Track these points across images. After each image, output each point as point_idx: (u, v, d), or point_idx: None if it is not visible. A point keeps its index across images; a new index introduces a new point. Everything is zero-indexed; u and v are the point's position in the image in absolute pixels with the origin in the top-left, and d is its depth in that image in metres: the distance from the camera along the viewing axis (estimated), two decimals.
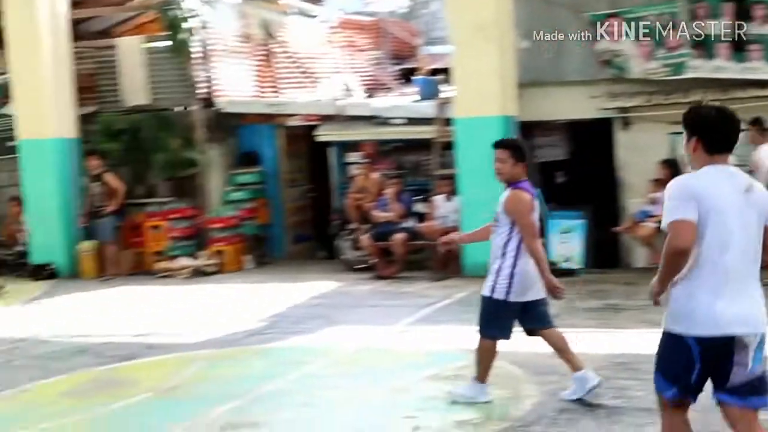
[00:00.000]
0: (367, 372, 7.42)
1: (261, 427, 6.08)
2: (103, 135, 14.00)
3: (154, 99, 14.30)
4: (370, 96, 15.88)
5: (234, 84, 14.60)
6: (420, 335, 8.61)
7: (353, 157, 14.04)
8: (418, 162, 13.76)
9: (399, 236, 12.12)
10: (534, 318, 6.27)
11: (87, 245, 13.62)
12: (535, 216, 6.20)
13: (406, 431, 5.81)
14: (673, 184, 4.01)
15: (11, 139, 14.21)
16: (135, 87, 14.28)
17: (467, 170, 11.64)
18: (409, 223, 12.43)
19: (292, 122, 14.54)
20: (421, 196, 12.98)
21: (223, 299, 11.35)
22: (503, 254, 6.13)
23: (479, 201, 10.81)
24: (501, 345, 6.31)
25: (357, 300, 10.78)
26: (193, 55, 13.90)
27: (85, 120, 14.12)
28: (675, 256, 3.91)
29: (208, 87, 14.11)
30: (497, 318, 6.16)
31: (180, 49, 13.85)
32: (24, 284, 13.13)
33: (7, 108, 14.44)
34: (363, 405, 6.48)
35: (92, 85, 14.53)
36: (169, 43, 13.96)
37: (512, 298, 6.10)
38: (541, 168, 12.86)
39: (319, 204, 14.94)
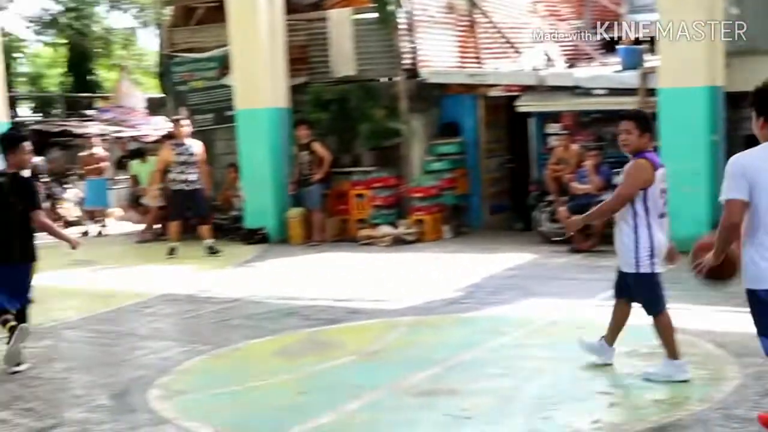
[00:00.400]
0: (562, 345, 7.45)
1: (458, 394, 6.23)
2: (312, 105, 14.47)
3: (361, 70, 14.64)
4: (571, 66, 15.70)
5: (437, 54, 14.81)
6: None
7: (553, 127, 13.97)
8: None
9: None
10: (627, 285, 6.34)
11: (295, 212, 14.22)
12: (661, 187, 6.20)
13: (602, 407, 5.85)
14: (730, 162, 4.60)
15: (230, 108, 14.97)
16: (343, 58, 14.65)
17: (670, 142, 11.35)
18: (608, 196, 12.25)
19: (493, 92, 14.57)
20: (621, 169, 12.73)
21: (422, 268, 11.63)
22: (635, 226, 6.18)
23: (682, 174, 10.59)
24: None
25: (553, 272, 10.83)
26: (398, 27, 14.18)
27: (295, 90, 14.64)
28: (726, 230, 4.59)
29: (413, 58, 14.36)
30: (653, 291, 6.24)
31: (387, 21, 14.14)
32: (237, 247, 13.89)
33: (226, 79, 15.21)
34: (558, 378, 6.54)
35: (303, 56, 15.00)
36: (377, 14, 14.28)
37: (658, 269, 6.20)
38: (747, 141, 12.32)
39: (518, 175, 14.97)
